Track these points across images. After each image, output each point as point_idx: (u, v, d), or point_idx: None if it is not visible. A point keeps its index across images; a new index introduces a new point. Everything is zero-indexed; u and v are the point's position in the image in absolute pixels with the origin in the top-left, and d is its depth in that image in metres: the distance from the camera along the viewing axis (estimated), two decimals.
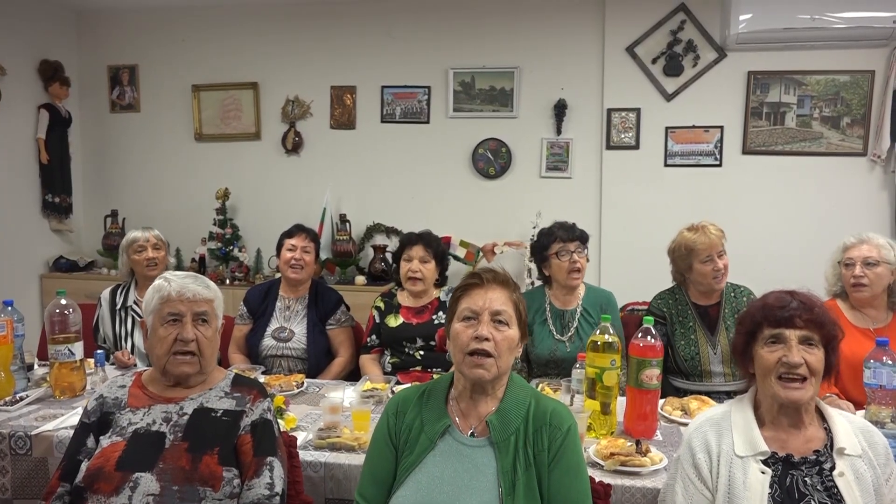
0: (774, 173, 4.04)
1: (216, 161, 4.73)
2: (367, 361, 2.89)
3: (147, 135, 4.82)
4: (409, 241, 2.90)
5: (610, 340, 2.11)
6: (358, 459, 1.87)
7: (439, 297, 2.92)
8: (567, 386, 2.31)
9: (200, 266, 4.55)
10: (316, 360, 2.93)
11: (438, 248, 2.90)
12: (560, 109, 4.23)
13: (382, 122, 4.52)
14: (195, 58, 4.70)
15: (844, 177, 3.97)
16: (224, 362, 2.92)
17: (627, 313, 3.56)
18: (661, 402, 2.27)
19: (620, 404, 2.18)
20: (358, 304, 3.40)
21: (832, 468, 1.48)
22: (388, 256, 4.25)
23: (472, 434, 1.56)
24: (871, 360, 1.99)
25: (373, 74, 4.50)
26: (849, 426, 1.54)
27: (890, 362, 1.96)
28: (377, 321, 2.92)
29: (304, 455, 1.93)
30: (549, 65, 4.28)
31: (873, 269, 2.49)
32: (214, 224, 4.55)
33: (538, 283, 3.03)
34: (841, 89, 3.94)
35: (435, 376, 2.62)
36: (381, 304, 2.95)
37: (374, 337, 2.92)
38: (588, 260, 2.84)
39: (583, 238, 2.81)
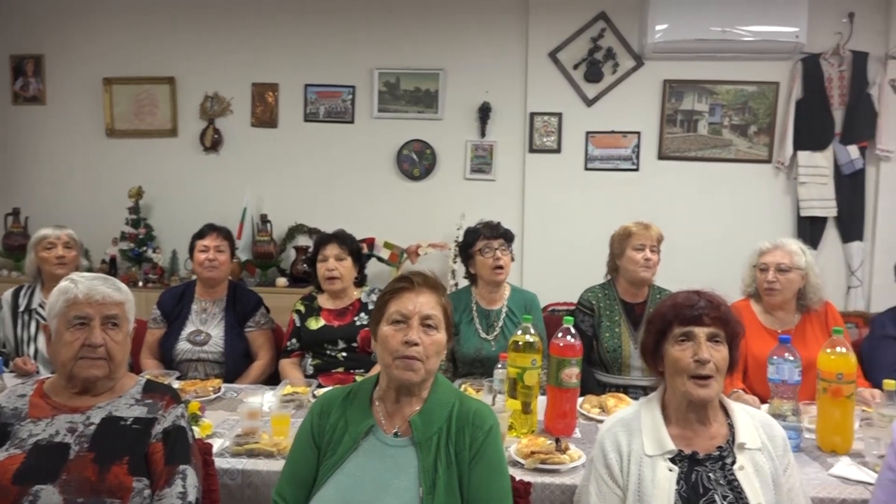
0: (688, 178, 4.20)
1: (129, 158, 4.53)
2: (287, 365, 2.83)
3: (53, 129, 4.57)
4: (322, 241, 2.88)
5: (531, 340, 2.14)
6: (277, 465, 1.83)
7: (360, 298, 2.89)
8: (489, 386, 2.33)
9: (111, 268, 4.35)
10: (234, 364, 2.85)
11: (353, 246, 2.89)
12: (484, 112, 4.27)
13: (306, 121, 4.45)
14: (107, 49, 4.49)
15: (752, 182, 4.17)
16: (136, 368, 2.80)
17: (549, 313, 3.63)
18: (580, 400, 2.32)
19: (541, 403, 2.22)
20: (280, 306, 3.33)
21: (733, 462, 1.56)
22: None
23: (395, 434, 1.56)
24: (775, 357, 2.09)
25: (296, 72, 4.42)
26: (750, 421, 1.62)
27: (791, 358, 2.06)
28: (298, 324, 2.87)
29: (221, 462, 1.87)
30: (474, 68, 4.31)
31: (785, 275, 2.63)
32: (127, 224, 4.37)
33: (463, 284, 3.07)
34: (749, 99, 4.13)
35: (358, 378, 2.62)
36: (302, 307, 2.90)
37: (294, 340, 2.87)
38: (513, 259, 2.89)
39: (507, 236, 2.88)
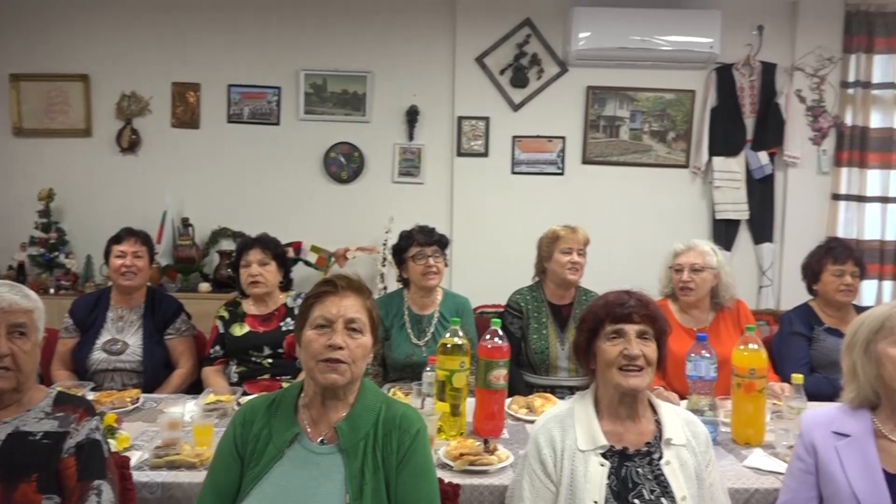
0: (611, 182, 4.32)
1: (39, 159, 4.30)
2: (211, 373, 2.75)
3: None
4: (245, 245, 2.82)
5: (459, 343, 2.15)
6: (199, 477, 1.77)
7: (286, 303, 2.84)
8: (418, 389, 2.33)
9: (19, 274, 4.11)
10: (153, 374, 2.75)
11: (277, 250, 2.84)
12: (412, 115, 4.27)
13: (229, 122, 4.33)
14: (14, 45, 4.25)
15: (670, 186, 4.32)
16: (46, 380, 2.67)
17: (478, 316, 3.66)
18: (508, 401, 2.34)
19: (470, 405, 2.23)
20: (203, 312, 3.23)
21: (660, 458, 1.61)
22: None
23: (321, 441, 1.54)
24: (692, 354, 2.17)
25: (219, 72, 4.30)
26: (676, 418, 1.68)
27: (707, 355, 2.15)
28: (221, 331, 2.79)
29: (139, 476, 1.80)
30: (402, 71, 4.31)
31: (699, 275, 2.74)
32: (36, 228, 4.14)
33: (392, 287, 3.06)
34: (667, 106, 4.29)
35: (284, 384, 2.57)
36: (225, 314, 2.83)
37: (217, 347, 2.79)
38: (446, 264, 2.89)
39: (441, 243, 2.87)
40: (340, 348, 1.51)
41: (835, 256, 2.87)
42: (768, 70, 4.21)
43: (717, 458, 1.96)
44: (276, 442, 1.53)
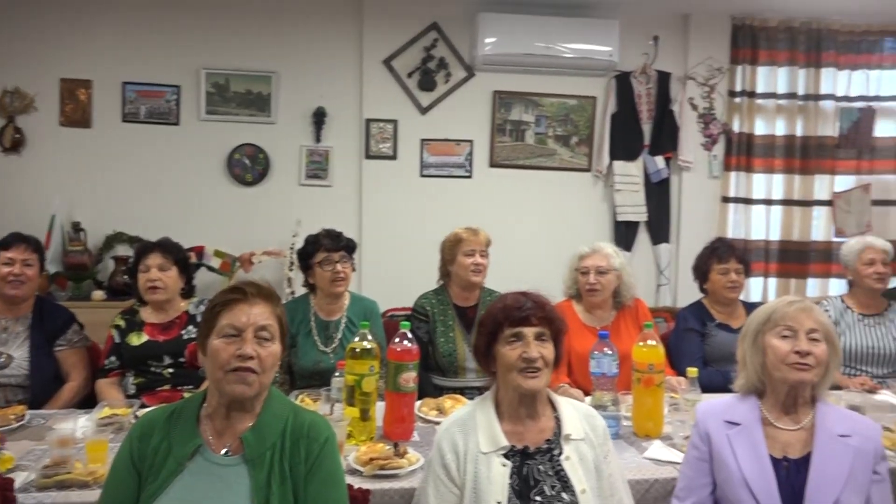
0: (517, 185, 4.40)
1: None
2: (105, 385, 2.61)
3: None
4: (144, 250, 2.69)
5: (368, 347, 2.14)
6: (93, 496, 1.67)
7: (188, 311, 2.73)
8: (327, 395, 2.29)
9: None
10: (41, 388, 2.58)
11: (179, 255, 2.73)
12: (319, 117, 4.21)
13: (124, 121, 4.13)
14: None
15: (574, 189, 4.46)
16: None
17: (387, 319, 3.64)
18: (417, 403, 2.34)
19: (380, 409, 2.22)
20: (97, 321, 3.06)
21: (560, 453, 1.66)
22: None
23: (226, 453, 1.49)
24: (595, 352, 2.25)
25: (113, 69, 4.09)
26: (574, 413, 1.73)
27: (609, 353, 2.23)
28: (117, 341, 2.65)
29: (25, 499, 1.69)
30: (309, 72, 4.24)
31: (604, 276, 2.85)
32: None
33: (300, 292, 3.00)
34: (570, 112, 4.42)
35: (186, 394, 2.47)
36: (122, 322, 2.69)
37: (113, 358, 2.65)
38: (354, 269, 2.87)
39: (349, 248, 2.85)
40: (251, 357, 1.47)
41: (719, 256, 3.04)
42: (663, 78, 4.42)
43: (619, 451, 2.04)
44: (176, 455, 1.47)
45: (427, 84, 4.26)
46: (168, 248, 2.70)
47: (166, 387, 2.62)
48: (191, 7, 4.13)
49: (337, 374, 2.27)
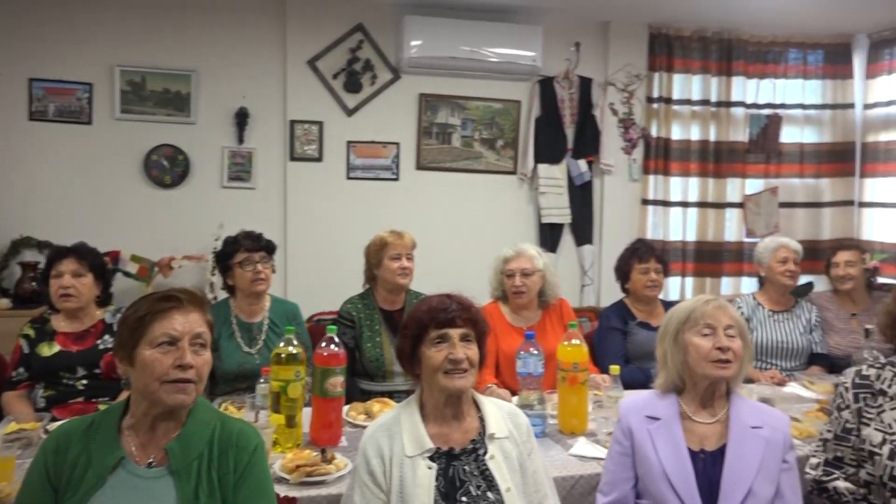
0: (444, 187, 4.42)
1: None
2: (13, 399, 2.46)
3: None
4: (57, 255, 2.56)
5: (294, 352, 2.10)
6: None
7: (104, 319, 2.61)
8: (251, 402, 2.24)
9: None
10: None
11: (96, 261, 2.61)
12: (242, 118, 4.11)
13: (31, 119, 3.91)
14: None
15: (500, 192, 4.51)
16: None
17: (314, 323, 3.60)
18: (345, 408, 2.32)
19: (306, 415, 2.18)
20: (2, 331, 2.89)
21: (485, 453, 1.67)
22: None
23: (149, 465, 1.44)
24: (521, 352, 2.28)
25: (18, 64, 3.87)
26: (498, 412, 1.75)
27: (535, 352, 2.27)
28: (26, 351, 2.51)
29: None
30: (230, 71, 4.13)
31: (529, 278, 2.90)
32: None
33: (223, 297, 2.94)
34: (496, 115, 4.47)
35: (102, 407, 2.36)
36: (31, 332, 2.54)
37: (21, 370, 2.50)
38: (274, 271, 2.83)
39: (269, 248, 2.82)
40: (191, 367, 1.43)
41: (639, 256, 3.15)
42: (585, 84, 4.54)
43: (545, 449, 2.08)
44: (96, 468, 1.41)
45: (353, 86, 4.23)
46: (83, 254, 2.58)
47: (79, 399, 2.50)
48: (104, 1, 3.96)
49: (262, 380, 2.22)
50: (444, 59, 4.18)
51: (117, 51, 3.98)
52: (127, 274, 3.87)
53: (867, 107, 4.80)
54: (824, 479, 1.94)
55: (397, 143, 4.35)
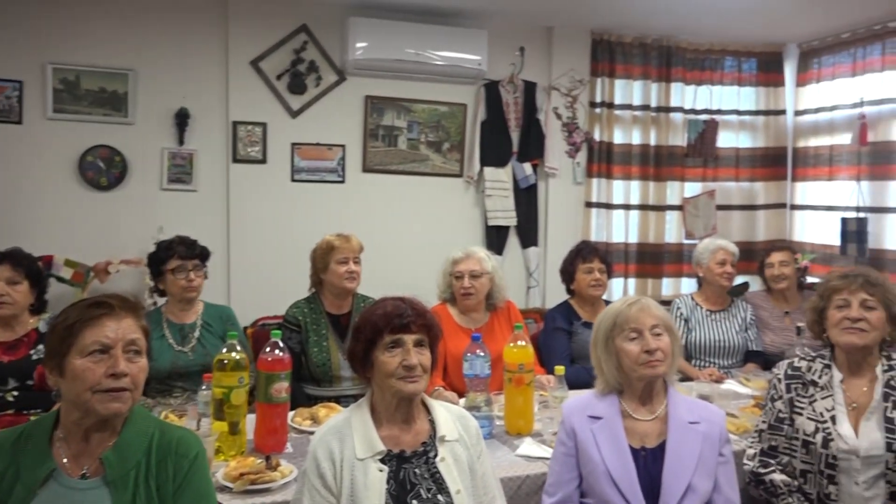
0: (391, 190, 4.41)
1: None
2: None
3: None
4: None
5: (237, 358, 2.06)
6: None
7: (38, 328, 2.52)
8: (193, 410, 2.19)
9: None
10: None
11: (32, 267, 2.53)
12: (182, 118, 4.01)
13: None
14: None
15: (447, 195, 4.52)
16: None
17: (259, 328, 3.54)
18: (290, 414, 2.29)
19: (250, 421, 2.15)
20: None
21: (436, 455, 1.68)
22: None
23: (83, 476, 1.39)
24: (468, 354, 2.29)
25: None
26: (448, 415, 1.76)
27: (482, 354, 2.28)
28: None
29: None
30: (170, 71, 4.02)
31: (478, 280, 2.92)
32: None
33: (162, 302, 2.89)
34: (442, 118, 4.48)
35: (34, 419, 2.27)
36: None
37: None
38: (206, 277, 2.84)
39: (203, 256, 2.81)
40: (125, 375, 1.39)
41: (583, 256, 3.21)
42: (530, 88, 4.59)
43: (492, 450, 2.09)
44: (25, 481, 1.36)
45: (297, 87, 4.18)
46: (19, 260, 2.50)
47: (10, 411, 2.40)
48: None
49: (204, 387, 2.18)
50: (390, 62, 4.17)
51: (49, 47, 3.83)
52: (60, 279, 3.73)
53: (797, 113, 5.00)
54: (761, 471, 2.02)
55: (343, 146, 4.31)
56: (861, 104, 4.41)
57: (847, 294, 2.01)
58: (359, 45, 4.08)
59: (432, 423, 1.73)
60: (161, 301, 2.97)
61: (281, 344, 2.12)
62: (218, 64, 4.10)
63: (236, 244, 4.11)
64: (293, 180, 4.23)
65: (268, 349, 2.10)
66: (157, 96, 4.00)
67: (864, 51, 4.44)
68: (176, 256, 2.71)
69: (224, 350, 2.09)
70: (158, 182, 4.03)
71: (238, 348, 2.09)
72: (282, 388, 2.09)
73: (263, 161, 4.17)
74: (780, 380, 2.10)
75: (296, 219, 4.19)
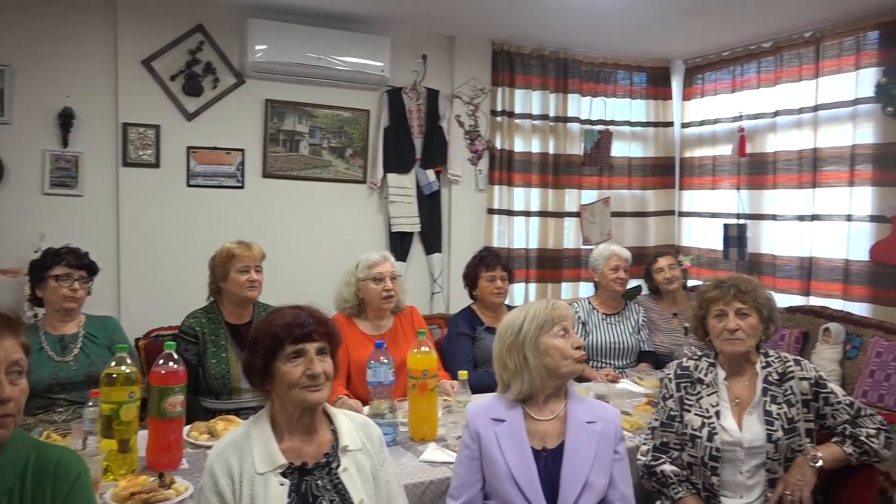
0: (293, 196, 4.32)
1: None
2: None
3: None
4: None
5: (127, 371, 1.96)
6: None
7: None
8: (78, 428, 2.06)
9: None
10: None
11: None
12: (66, 119, 3.77)
13: None
14: None
15: (350, 201, 4.49)
16: None
17: (152, 340, 3.39)
18: (186, 428, 2.20)
19: (142, 437, 2.05)
20: None
21: (338, 466, 1.66)
22: None
23: None
24: (372, 361, 2.28)
25: None
26: (351, 424, 1.74)
27: (385, 361, 2.27)
28: None
29: None
30: (53, 67, 3.78)
31: (395, 282, 2.92)
32: None
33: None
34: (345, 124, 4.45)
35: None
36: None
37: None
38: (89, 293, 2.74)
39: (91, 269, 2.70)
40: (9, 400, 1.30)
41: (486, 264, 3.27)
42: (433, 96, 4.63)
43: (396, 457, 2.09)
44: None
45: (193, 89, 4.03)
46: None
47: None
48: None
49: (90, 403, 2.05)
50: (291, 66, 4.10)
51: None
52: None
53: (684, 125, 5.30)
54: (652, 463, 2.12)
55: (242, 150, 4.19)
56: (740, 118, 4.74)
57: (723, 305, 2.15)
58: (258, 47, 3.99)
59: (335, 432, 1.70)
60: (42, 312, 2.79)
61: (175, 356, 2.04)
62: (106, 62, 3.89)
63: (127, 252, 3.91)
64: (189, 185, 4.07)
65: (161, 361, 2.02)
66: (37, 94, 3.75)
67: (741, 68, 4.77)
68: (63, 263, 2.61)
69: (113, 363, 1.98)
70: (39, 186, 3.78)
71: (128, 361, 1.99)
72: (176, 401, 2.01)
73: (157, 165, 3.99)
74: (670, 379, 2.22)
75: (192, 225, 4.04)
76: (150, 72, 3.94)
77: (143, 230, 3.96)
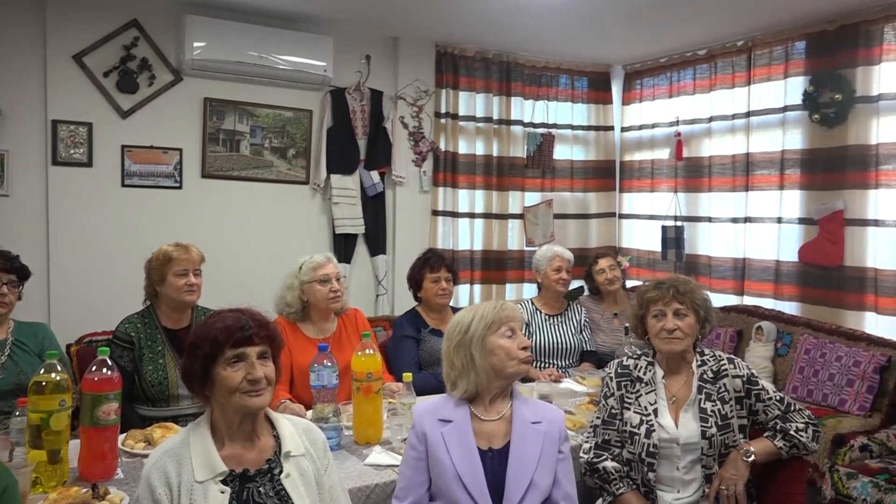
0: (233, 197, 4.23)
1: None
2: None
3: None
4: None
5: (57, 379, 1.88)
6: None
7: None
8: (4, 439, 1.96)
9: None
10: None
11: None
12: None
13: None
14: None
15: (293, 202, 4.42)
16: None
17: (85, 345, 3.27)
18: (121, 437, 2.12)
19: (74, 447, 1.97)
20: None
21: (281, 472, 1.62)
22: None
23: None
24: (315, 365, 2.25)
25: None
26: (293, 429, 1.71)
27: (329, 364, 2.25)
28: None
29: None
30: None
31: (341, 283, 2.88)
32: None
33: None
34: (287, 124, 4.38)
35: None
36: None
37: None
38: (20, 298, 2.60)
39: (22, 273, 2.58)
40: None
41: (431, 266, 3.27)
42: (376, 96, 4.61)
43: (341, 461, 2.07)
44: None
45: (127, 86, 3.90)
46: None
47: None
48: None
49: (17, 413, 1.96)
50: (231, 64, 4.02)
51: None
52: None
53: (623, 129, 5.43)
54: (595, 460, 2.16)
55: (180, 150, 4.08)
56: (677, 123, 4.88)
57: (662, 305, 2.21)
58: (197, 44, 3.89)
59: (277, 438, 1.67)
60: None
61: (109, 362, 1.97)
62: (34, 56, 3.73)
63: (57, 254, 3.76)
64: (124, 185, 3.94)
65: (94, 368, 1.94)
66: None
67: (678, 75, 4.92)
68: None
69: (42, 371, 1.90)
70: None
71: (59, 368, 1.91)
72: (110, 409, 1.93)
73: (89, 164, 3.85)
74: (611, 378, 2.27)
75: (127, 227, 3.91)
76: (81, 67, 3.80)
77: (74, 231, 3.81)
